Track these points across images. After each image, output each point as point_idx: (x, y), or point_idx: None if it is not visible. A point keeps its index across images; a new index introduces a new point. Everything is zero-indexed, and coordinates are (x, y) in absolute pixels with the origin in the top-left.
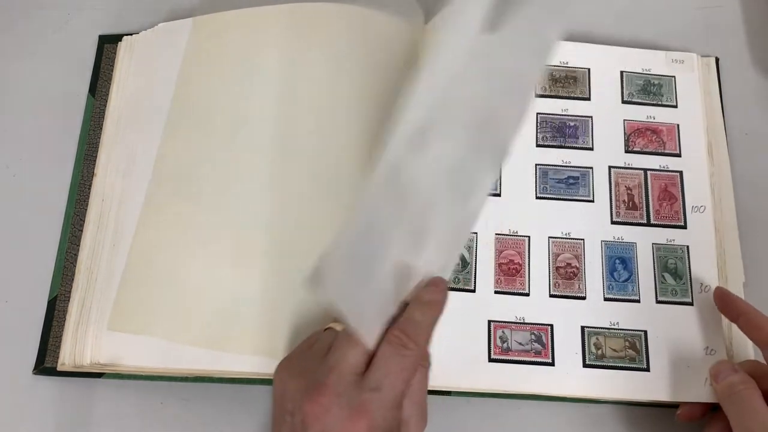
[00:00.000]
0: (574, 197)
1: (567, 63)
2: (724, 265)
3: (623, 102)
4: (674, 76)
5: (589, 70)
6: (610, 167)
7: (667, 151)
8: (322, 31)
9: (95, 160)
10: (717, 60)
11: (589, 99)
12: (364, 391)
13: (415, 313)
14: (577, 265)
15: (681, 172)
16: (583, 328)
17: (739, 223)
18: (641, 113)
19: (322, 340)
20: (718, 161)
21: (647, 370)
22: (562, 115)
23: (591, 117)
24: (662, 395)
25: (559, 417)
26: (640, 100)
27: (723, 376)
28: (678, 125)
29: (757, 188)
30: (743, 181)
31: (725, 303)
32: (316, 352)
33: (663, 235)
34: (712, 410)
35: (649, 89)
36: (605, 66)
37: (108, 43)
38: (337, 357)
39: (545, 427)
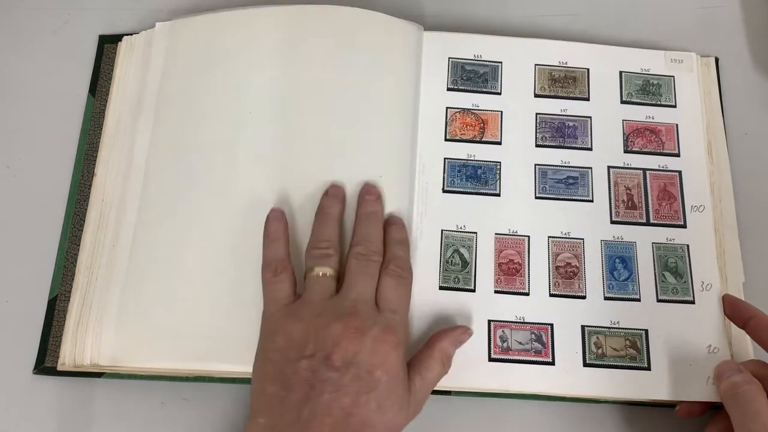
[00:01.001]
0: (574, 197)
1: (566, 63)
2: (724, 265)
3: (622, 102)
4: (673, 76)
5: (588, 70)
6: (609, 167)
7: (666, 151)
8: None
9: (95, 160)
10: (717, 60)
11: (588, 99)
12: (385, 314)
13: (398, 251)
14: (577, 265)
15: (680, 172)
16: (583, 327)
17: (739, 223)
18: (640, 113)
19: (320, 286)
20: (717, 161)
21: (648, 369)
22: (562, 115)
23: (590, 117)
24: (663, 394)
25: (559, 417)
26: (639, 100)
27: (727, 376)
28: (677, 125)
29: (757, 188)
30: (743, 181)
31: (735, 309)
32: (320, 298)
33: (663, 235)
34: (713, 408)
35: (648, 89)
36: (604, 66)
37: (108, 43)
38: (359, 290)
39: (545, 427)
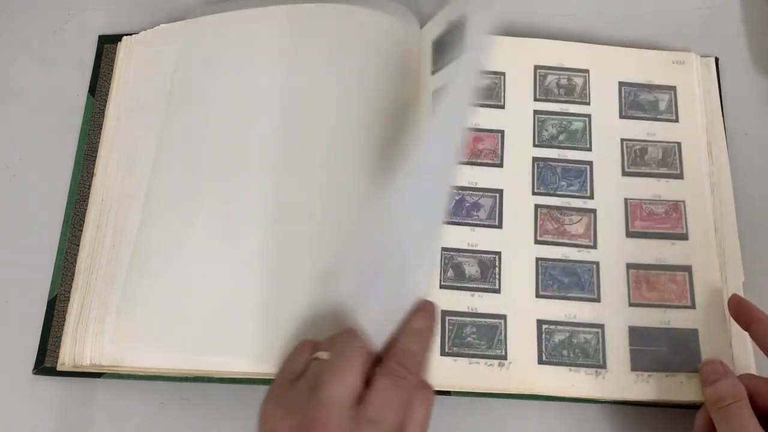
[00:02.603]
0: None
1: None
2: (724, 265)
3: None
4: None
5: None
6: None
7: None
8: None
9: (95, 160)
10: (717, 60)
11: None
12: (362, 424)
13: (410, 343)
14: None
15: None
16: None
17: (739, 223)
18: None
19: (309, 372)
20: (717, 161)
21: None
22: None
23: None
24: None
25: (558, 417)
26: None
27: (712, 380)
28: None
29: (757, 188)
30: (743, 181)
31: (739, 310)
32: (303, 385)
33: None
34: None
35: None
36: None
37: (108, 43)
38: (327, 391)
39: (545, 427)
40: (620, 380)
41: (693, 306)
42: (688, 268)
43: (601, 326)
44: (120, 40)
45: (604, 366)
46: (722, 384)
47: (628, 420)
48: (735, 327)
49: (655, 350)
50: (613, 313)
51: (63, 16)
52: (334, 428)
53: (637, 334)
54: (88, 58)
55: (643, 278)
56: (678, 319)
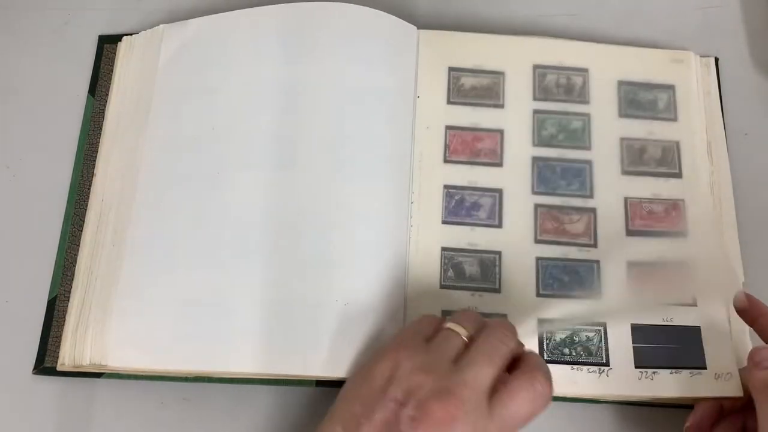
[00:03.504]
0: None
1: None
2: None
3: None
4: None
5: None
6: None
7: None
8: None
9: (95, 160)
10: (717, 60)
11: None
12: (493, 420)
13: (543, 364)
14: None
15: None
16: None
17: (739, 223)
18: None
19: (448, 343)
20: (717, 161)
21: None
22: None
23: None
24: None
25: (558, 417)
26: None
27: (766, 365)
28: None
29: (757, 188)
30: (743, 181)
31: (745, 306)
32: (443, 354)
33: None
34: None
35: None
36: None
37: (108, 43)
38: (474, 373)
39: (545, 427)
40: (625, 377)
41: (695, 304)
42: (688, 266)
43: (603, 324)
44: (120, 40)
45: (607, 363)
46: None
47: (632, 419)
48: (735, 324)
49: (658, 347)
50: (614, 312)
51: (63, 16)
52: (467, 411)
53: (639, 332)
54: (88, 58)
55: (643, 276)
56: (680, 317)
